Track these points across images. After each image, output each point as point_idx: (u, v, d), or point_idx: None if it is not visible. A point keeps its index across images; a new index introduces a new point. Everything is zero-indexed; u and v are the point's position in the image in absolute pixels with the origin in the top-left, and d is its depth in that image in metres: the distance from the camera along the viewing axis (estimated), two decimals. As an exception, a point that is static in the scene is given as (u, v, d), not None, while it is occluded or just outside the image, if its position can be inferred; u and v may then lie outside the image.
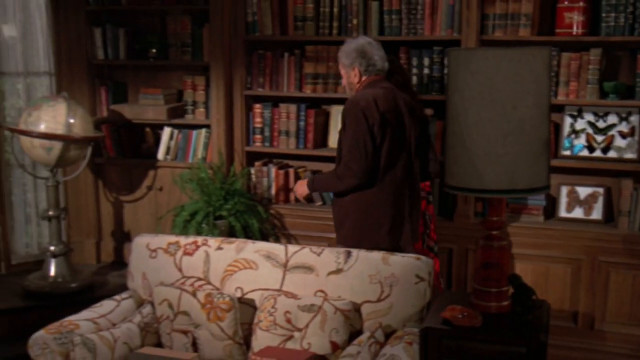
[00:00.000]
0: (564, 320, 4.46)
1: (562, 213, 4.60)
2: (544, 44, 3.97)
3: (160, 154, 5.30)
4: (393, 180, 3.83)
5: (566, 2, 4.38)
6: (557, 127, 4.56)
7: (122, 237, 5.49)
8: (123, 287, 4.03)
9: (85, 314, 3.63)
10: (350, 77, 3.92)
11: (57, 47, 5.26)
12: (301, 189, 4.07)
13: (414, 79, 4.73)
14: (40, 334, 3.41)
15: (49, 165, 4.76)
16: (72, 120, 4.65)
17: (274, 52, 5.01)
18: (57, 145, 4.64)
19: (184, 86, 5.28)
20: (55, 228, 4.91)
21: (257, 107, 5.08)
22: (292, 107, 4.99)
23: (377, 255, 3.50)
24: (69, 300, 4.71)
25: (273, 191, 5.05)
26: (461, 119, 2.98)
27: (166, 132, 5.27)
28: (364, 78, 3.89)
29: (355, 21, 4.79)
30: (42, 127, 4.60)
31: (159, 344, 3.65)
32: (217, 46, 4.98)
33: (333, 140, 4.99)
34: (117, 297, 3.82)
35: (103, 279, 5.19)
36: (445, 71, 4.64)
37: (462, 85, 2.95)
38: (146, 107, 5.24)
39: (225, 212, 4.75)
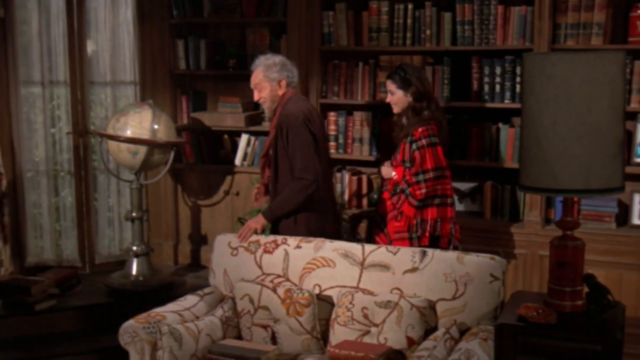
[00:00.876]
0: (637, 327, 4.45)
1: (635, 220, 4.61)
2: (617, 52, 4.02)
3: (238, 160, 5.50)
4: (324, 176, 4.20)
5: (639, 11, 4.43)
6: (630, 135, 4.58)
7: (199, 240, 5.69)
8: (200, 288, 4.20)
9: (171, 306, 3.82)
10: (275, 90, 4.20)
11: (142, 58, 5.53)
12: (255, 225, 4.10)
13: (486, 88, 4.82)
14: (130, 323, 3.60)
15: (134, 169, 5.00)
16: (156, 126, 4.89)
17: (348, 62, 5.17)
18: (142, 150, 4.87)
19: (261, 95, 5.47)
20: (137, 229, 5.14)
21: (332, 115, 5.24)
22: (367, 115, 5.13)
23: (452, 254, 3.61)
24: (149, 297, 4.91)
25: (346, 196, 5.19)
26: (537, 121, 3.06)
27: (243, 138, 5.47)
28: (289, 90, 4.21)
29: (428, 32, 4.91)
30: (129, 132, 4.84)
31: (239, 337, 3.81)
32: (294, 56, 5.14)
33: (405, 147, 5.10)
34: (199, 292, 4.01)
35: (181, 279, 5.39)
36: (517, 80, 4.72)
37: (538, 88, 3.04)
38: (225, 115, 5.46)
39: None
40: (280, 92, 4.20)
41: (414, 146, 4.19)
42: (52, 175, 5.52)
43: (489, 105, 4.84)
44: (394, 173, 4.31)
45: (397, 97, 4.29)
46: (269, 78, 4.17)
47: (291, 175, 4.08)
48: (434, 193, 4.19)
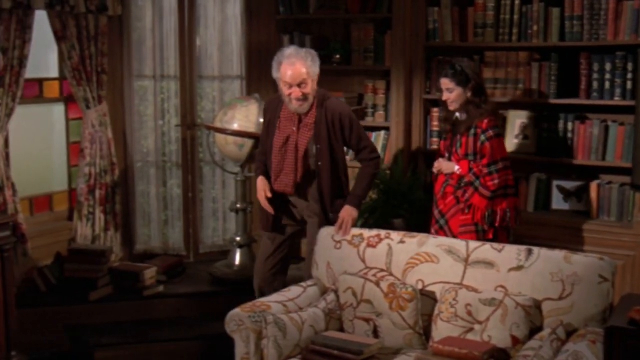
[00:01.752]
0: None
1: None
2: None
3: (340, 154, 5.55)
4: None
5: None
6: None
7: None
8: (299, 279, 4.31)
9: (275, 296, 3.91)
10: (315, 86, 4.18)
11: (248, 52, 5.65)
12: (351, 218, 4.15)
13: (594, 84, 4.71)
14: (236, 311, 3.70)
15: (240, 161, 5.13)
16: (262, 120, 4.98)
17: (453, 58, 5.13)
18: (248, 143, 4.99)
19: (365, 90, 5.52)
20: (241, 220, 5.26)
21: (435, 111, 5.23)
22: (470, 111, 5.09)
23: (558, 253, 3.56)
24: (251, 287, 5.02)
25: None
26: (652, 119, 2.99)
27: (346, 133, 5.52)
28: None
29: (535, 27, 4.83)
30: (236, 125, 4.97)
31: (341, 330, 3.86)
32: (398, 52, 5.18)
33: (509, 144, 5.04)
34: (303, 283, 4.08)
35: (282, 271, 5.48)
36: (629, 76, 4.59)
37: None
38: (328, 110, 5.51)
39: (403, 210, 4.92)
40: (315, 87, 4.20)
41: (482, 137, 4.21)
42: (160, 166, 5.72)
43: (598, 102, 4.72)
44: (457, 167, 4.30)
45: (456, 94, 4.27)
46: (312, 72, 4.14)
47: (342, 162, 4.29)
48: (504, 183, 4.24)
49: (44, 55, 5.35)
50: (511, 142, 5.04)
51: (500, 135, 4.30)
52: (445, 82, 4.30)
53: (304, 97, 4.13)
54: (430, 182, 4.71)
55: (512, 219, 4.28)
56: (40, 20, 4.91)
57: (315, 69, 4.15)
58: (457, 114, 4.36)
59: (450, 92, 4.28)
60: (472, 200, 4.23)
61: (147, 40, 5.56)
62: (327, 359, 3.49)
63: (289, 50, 4.15)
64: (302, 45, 5.59)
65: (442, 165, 4.39)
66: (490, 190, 4.19)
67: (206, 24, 5.61)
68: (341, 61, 5.49)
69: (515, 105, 5.03)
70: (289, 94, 4.12)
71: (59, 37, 5.01)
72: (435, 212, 4.42)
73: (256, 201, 4.76)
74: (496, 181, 4.18)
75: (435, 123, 5.23)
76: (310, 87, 4.13)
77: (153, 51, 5.56)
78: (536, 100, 4.90)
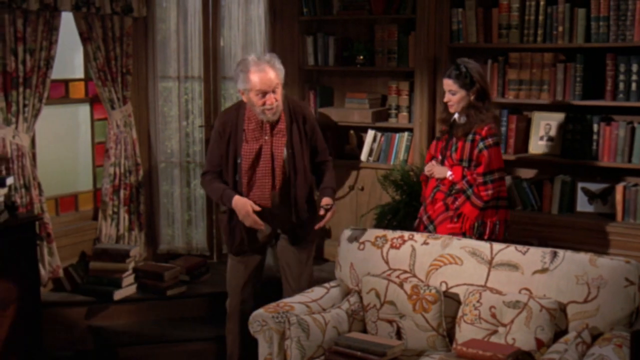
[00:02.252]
0: None
1: None
2: None
3: (363, 156, 5.55)
4: None
5: None
6: None
7: (323, 234, 5.78)
8: (323, 280, 4.30)
9: (299, 297, 3.92)
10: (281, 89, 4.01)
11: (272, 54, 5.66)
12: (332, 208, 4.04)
13: (621, 86, 4.67)
14: (260, 312, 3.71)
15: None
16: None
17: (477, 59, 5.07)
18: (272, 144, 4.99)
19: (388, 91, 5.51)
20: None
21: (459, 112, 5.20)
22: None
23: (584, 256, 3.53)
24: (274, 288, 5.03)
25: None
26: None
27: (370, 134, 5.52)
28: None
29: (560, 28, 4.80)
30: (259, 127, 4.97)
31: (364, 331, 3.87)
32: (422, 53, 5.16)
33: (534, 146, 5.02)
34: (326, 285, 4.08)
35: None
36: (656, 78, 4.56)
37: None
38: (352, 111, 5.52)
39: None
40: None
41: (481, 145, 4.04)
42: (184, 167, 5.75)
43: (624, 104, 4.68)
44: (449, 173, 4.12)
45: (458, 97, 4.11)
46: (281, 76, 3.98)
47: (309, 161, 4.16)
48: (497, 195, 4.08)
49: (70, 57, 5.40)
50: (536, 144, 5.01)
51: (498, 145, 4.11)
52: (448, 84, 4.14)
53: (277, 104, 3.94)
54: None
55: (501, 233, 4.13)
56: (67, 21, 4.96)
57: (283, 73, 3.99)
58: (455, 116, 4.20)
59: (453, 94, 4.12)
60: (462, 209, 4.07)
61: (171, 42, 5.59)
62: (350, 361, 3.49)
63: (253, 58, 3.94)
64: (326, 47, 5.62)
65: (435, 169, 4.21)
66: (484, 200, 4.01)
67: (230, 25, 5.63)
68: (365, 62, 5.48)
69: (540, 107, 5.00)
70: (263, 103, 3.90)
71: (85, 38, 5.05)
72: (424, 217, 4.26)
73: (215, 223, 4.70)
74: (490, 192, 4.02)
75: (459, 124, 5.20)
76: (280, 92, 3.96)
77: (177, 52, 5.59)
78: (561, 102, 4.86)
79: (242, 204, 3.98)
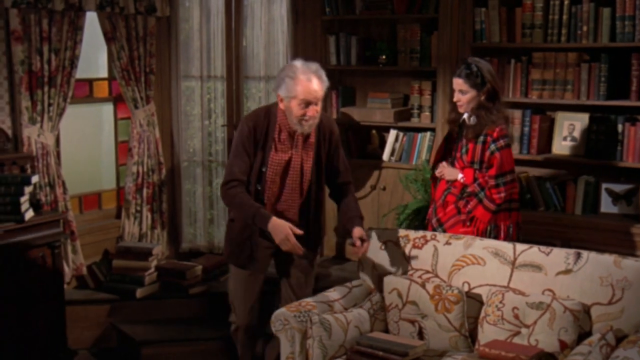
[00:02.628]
0: None
1: None
2: None
3: (385, 155, 5.54)
4: None
5: None
6: None
7: (345, 234, 5.78)
8: (344, 280, 4.28)
9: (321, 296, 3.91)
10: None
11: (294, 53, 5.66)
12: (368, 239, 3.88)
13: (645, 86, 4.64)
14: (282, 311, 3.71)
15: (285, 162, 5.14)
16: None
17: (500, 59, 5.09)
18: (294, 143, 5.00)
19: (411, 91, 5.49)
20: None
21: (482, 112, 5.18)
22: (517, 113, 5.03)
23: (608, 257, 3.50)
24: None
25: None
26: None
27: (392, 134, 5.51)
28: None
29: (585, 28, 4.76)
30: (282, 126, 4.98)
31: (386, 331, 3.86)
32: (445, 53, 5.15)
33: (557, 146, 4.98)
34: (348, 284, 4.08)
35: (325, 271, 5.48)
36: (682, 78, 4.51)
37: None
38: (374, 110, 5.51)
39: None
40: None
41: (492, 147, 3.96)
42: (206, 166, 5.78)
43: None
44: (461, 175, 4.05)
45: (469, 97, 4.00)
46: (325, 91, 3.79)
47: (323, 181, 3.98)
48: (510, 197, 4.01)
49: (94, 56, 5.45)
50: (560, 144, 4.98)
51: (510, 146, 4.02)
52: (458, 83, 4.02)
53: (317, 116, 3.77)
54: None
55: (514, 235, 4.06)
56: (91, 21, 5.00)
57: (327, 85, 3.79)
58: (465, 116, 4.10)
59: (463, 94, 4.01)
60: (475, 213, 4.00)
61: (194, 41, 5.63)
62: (372, 360, 3.49)
63: (301, 65, 3.74)
64: (348, 46, 5.62)
65: (445, 170, 4.13)
66: (496, 203, 3.94)
67: (253, 25, 5.65)
68: (387, 62, 5.47)
69: (563, 107, 4.96)
70: (303, 114, 3.71)
71: (109, 38, 5.10)
72: (434, 220, 4.17)
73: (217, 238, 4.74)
74: (502, 194, 3.94)
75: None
76: (321, 105, 3.79)
77: (200, 52, 5.62)
78: (585, 102, 4.83)
79: (281, 227, 3.68)
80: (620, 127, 4.76)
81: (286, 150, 3.85)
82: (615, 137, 4.77)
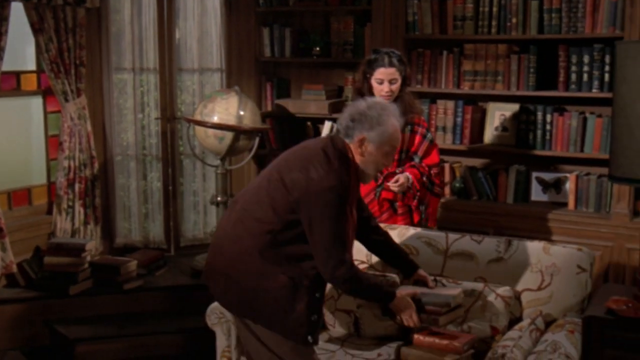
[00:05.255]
0: None
1: None
2: None
3: (320, 147, 5.55)
4: None
5: None
6: None
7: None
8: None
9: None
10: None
11: (228, 45, 5.64)
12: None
13: (573, 77, 4.74)
14: (217, 305, 3.68)
15: (220, 154, 5.12)
16: (242, 112, 4.99)
17: (432, 50, 5.16)
18: (229, 135, 4.98)
19: (344, 82, 5.53)
20: (222, 213, 5.25)
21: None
22: (450, 104, 5.11)
23: (538, 244, 3.59)
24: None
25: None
26: (629, 110, 3.03)
27: (326, 125, 5.49)
28: None
29: (514, 20, 4.85)
30: (216, 118, 4.95)
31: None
32: (378, 44, 5.14)
33: (489, 136, 5.07)
34: (284, 276, 4.07)
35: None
36: (606, 69, 4.63)
37: (631, 77, 3.00)
38: (308, 102, 5.52)
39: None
40: None
41: (429, 136, 4.06)
42: (140, 160, 5.69)
43: (576, 94, 4.76)
44: (410, 177, 4.00)
45: (398, 85, 3.94)
46: None
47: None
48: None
49: (21, 48, 5.30)
50: (491, 134, 5.07)
51: None
52: (390, 72, 3.88)
53: None
54: None
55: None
56: (17, 12, 4.86)
57: None
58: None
59: (393, 83, 3.91)
60: (429, 202, 4.10)
61: (126, 33, 5.52)
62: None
63: (394, 108, 3.13)
64: (282, 38, 5.60)
65: (403, 180, 3.97)
66: (441, 188, 4.05)
67: (185, 17, 5.58)
68: (321, 54, 5.49)
69: (494, 97, 5.05)
70: (385, 164, 3.19)
71: (36, 29, 4.96)
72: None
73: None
74: (441, 178, 4.12)
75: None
76: None
77: (132, 44, 5.52)
78: (515, 93, 4.92)
79: (406, 302, 3.22)
80: (548, 117, 4.87)
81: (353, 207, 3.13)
82: (544, 126, 4.88)
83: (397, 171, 4.05)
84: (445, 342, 3.27)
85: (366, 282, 3.12)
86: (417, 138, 4.10)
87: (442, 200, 5.06)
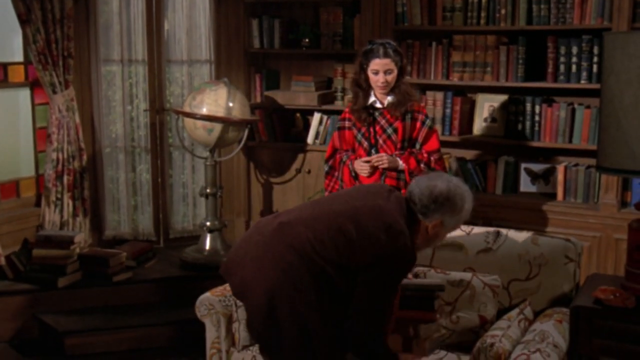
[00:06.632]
0: None
1: None
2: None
3: (310, 138, 5.55)
4: None
5: None
6: None
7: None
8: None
9: (246, 281, 3.90)
10: None
11: (217, 37, 5.62)
12: None
13: (561, 68, 4.75)
14: (207, 296, 3.68)
15: (209, 146, 5.11)
16: (231, 104, 4.98)
17: (422, 42, 5.16)
18: (218, 127, 4.97)
19: (334, 74, 5.52)
20: (211, 205, 5.25)
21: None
22: (439, 95, 5.11)
23: (526, 235, 3.60)
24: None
25: (417, 176, 5.20)
26: (617, 101, 3.03)
27: (316, 117, 5.52)
28: None
29: (503, 11, 4.85)
30: (205, 110, 4.94)
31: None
32: (367, 36, 5.16)
33: (478, 127, 5.08)
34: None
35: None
36: (595, 60, 4.64)
37: (619, 68, 3.00)
38: (298, 94, 5.51)
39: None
40: None
41: (428, 122, 4.11)
42: (129, 152, 5.67)
43: (565, 85, 4.77)
44: (401, 162, 4.06)
45: (394, 75, 4.01)
46: None
47: None
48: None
49: (8, 39, 5.27)
50: (480, 125, 5.07)
51: None
52: (385, 63, 3.97)
53: None
54: None
55: None
56: (4, 2, 4.83)
57: None
58: (372, 99, 4.08)
59: (389, 73, 3.99)
60: None
61: (114, 24, 5.50)
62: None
63: (468, 195, 3.04)
64: (271, 29, 5.59)
65: (385, 159, 4.02)
66: None
67: (174, 8, 5.56)
68: (310, 45, 5.48)
69: (483, 88, 5.06)
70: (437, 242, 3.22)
71: (24, 20, 4.93)
72: None
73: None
74: (443, 164, 4.13)
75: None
76: None
77: (120, 35, 5.50)
78: (504, 84, 4.93)
79: None
80: (537, 108, 4.88)
81: None
82: (532, 117, 4.89)
83: (395, 154, 4.11)
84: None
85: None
86: (418, 124, 4.14)
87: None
